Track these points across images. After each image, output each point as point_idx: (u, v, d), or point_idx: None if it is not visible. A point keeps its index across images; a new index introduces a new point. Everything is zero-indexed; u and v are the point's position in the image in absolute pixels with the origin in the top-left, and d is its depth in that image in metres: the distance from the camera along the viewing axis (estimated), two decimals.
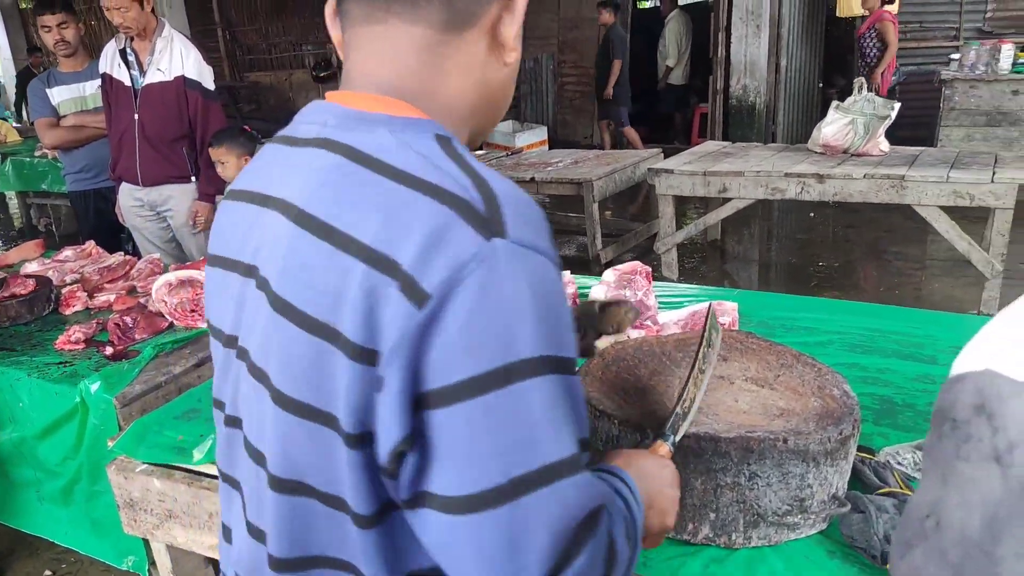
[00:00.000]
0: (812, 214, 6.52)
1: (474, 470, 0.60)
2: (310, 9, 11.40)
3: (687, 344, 1.44)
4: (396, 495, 0.64)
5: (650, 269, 2.17)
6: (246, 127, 3.81)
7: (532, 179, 5.38)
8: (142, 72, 3.44)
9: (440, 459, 0.60)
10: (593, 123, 9.87)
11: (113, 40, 3.50)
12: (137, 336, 2.23)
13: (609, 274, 2.13)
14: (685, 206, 6.19)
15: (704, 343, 1.10)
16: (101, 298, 2.59)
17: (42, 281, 2.62)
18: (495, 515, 0.59)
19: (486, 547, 0.60)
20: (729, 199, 4.71)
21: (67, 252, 3.16)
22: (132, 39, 3.41)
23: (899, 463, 1.31)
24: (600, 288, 2.06)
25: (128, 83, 3.44)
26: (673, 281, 5.08)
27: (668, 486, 0.88)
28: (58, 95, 3.77)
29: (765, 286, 5.16)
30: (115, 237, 3.94)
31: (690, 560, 1.13)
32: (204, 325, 2.01)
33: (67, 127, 3.78)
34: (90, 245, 3.19)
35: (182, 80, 3.43)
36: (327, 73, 11.40)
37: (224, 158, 3.40)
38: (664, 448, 0.98)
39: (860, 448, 1.34)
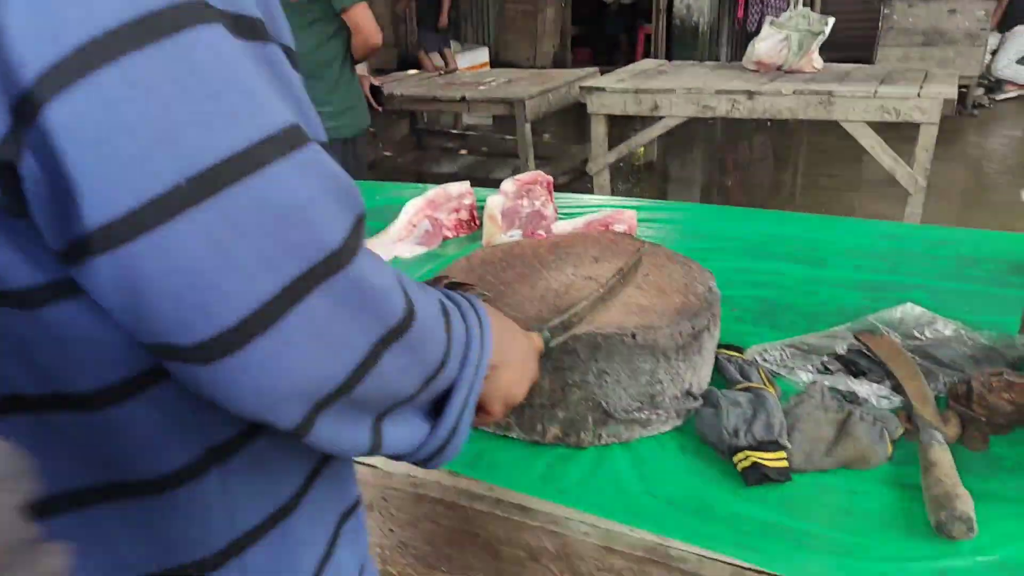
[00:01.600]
0: (754, 137, 6.49)
1: (134, 173, 0.42)
2: None
3: (561, 247, 1.37)
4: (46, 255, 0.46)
5: (551, 179, 2.08)
6: None
7: (463, 98, 5.20)
8: None
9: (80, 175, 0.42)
10: (535, 44, 9.60)
11: None
12: None
13: (508, 183, 2.04)
14: (626, 129, 6.10)
15: (619, 276, 1.04)
16: None
17: None
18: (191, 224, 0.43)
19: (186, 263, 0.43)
20: (661, 117, 4.62)
21: None
22: None
23: (765, 360, 1.28)
24: (498, 198, 1.97)
25: None
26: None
27: (528, 354, 0.82)
28: None
29: None
30: None
31: (535, 460, 1.08)
32: None
33: None
34: None
35: None
36: None
37: None
38: (537, 337, 0.90)
39: (729, 347, 1.31)
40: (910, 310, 1.42)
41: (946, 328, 1.35)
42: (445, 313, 0.63)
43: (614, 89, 4.64)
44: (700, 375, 1.15)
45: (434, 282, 1.18)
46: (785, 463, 1.02)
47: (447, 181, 2.13)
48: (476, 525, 1.05)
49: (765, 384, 1.21)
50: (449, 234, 2.02)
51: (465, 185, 2.14)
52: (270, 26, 0.52)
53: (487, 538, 1.05)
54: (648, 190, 5.45)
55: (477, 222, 2.07)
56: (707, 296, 1.18)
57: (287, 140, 0.47)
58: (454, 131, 6.84)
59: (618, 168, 5.84)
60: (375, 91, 3.26)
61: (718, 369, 1.25)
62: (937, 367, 1.23)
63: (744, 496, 1.00)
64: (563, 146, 6.08)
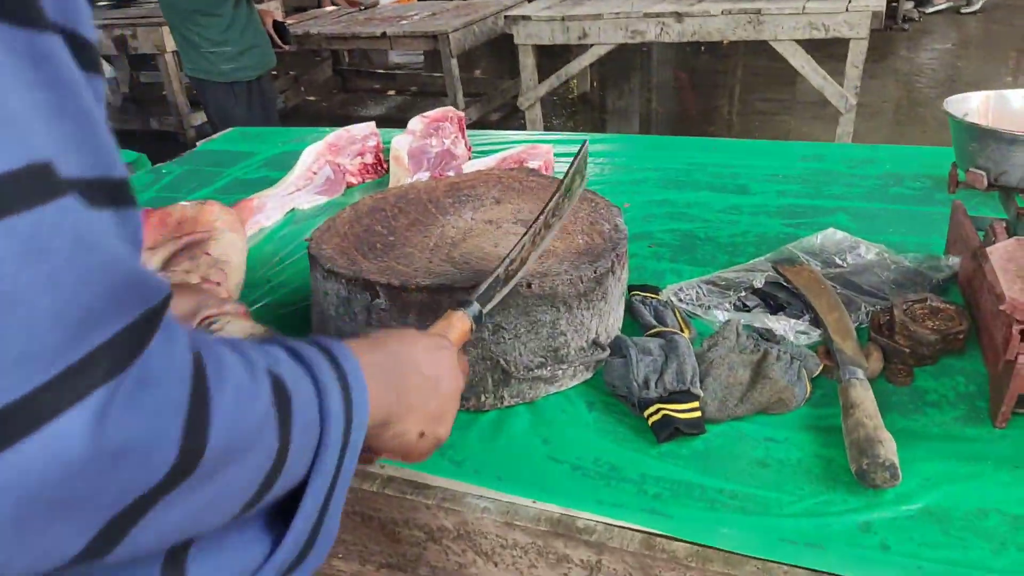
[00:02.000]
0: (691, 63, 6.35)
1: None
2: None
3: (459, 189, 1.25)
4: None
5: (463, 115, 1.94)
6: None
7: (384, 34, 4.93)
8: None
9: None
10: None
11: None
12: None
13: (416, 122, 1.89)
14: (561, 60, 5.89)
15: (561, 191, 0.89)
16: None
17: None
18: None
19: None
20: (590, 45, 4.45)
21: None
22: None
23: (681, 300, 1.19)
24: (404, 138, 1.82)
25: None
26: None
27: (440, 379, 0.66)
28: None
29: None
30: None
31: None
32: None
33: None
34: None
35: None
36: None
37: None
38: (460, 321, 0.75)
39: (643, 287, 1.22)
40: (831, 235, 1.35)
41: (868, 252, 1.28)
42: (281, 402, 0.46)
43: (540, 17, 4.44)
44: (608, 322, 1.06)
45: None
46: (698, 414, 0.94)
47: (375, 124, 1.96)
48: (368, 507, 0.95)
49: (680, 327, 1.13)
50: (354, 180, 1.87)
51: (370, 126, 1.98)
52: (50, 5, 0.36)
53: (382, 520, 0.95)
54: (584, 123, 5.30)
55: (385, 166, 1.93)
56: (613, 235, 1.08)
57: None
58: (380, 71, 6.54)
59: (553, 102, 5.67)
60: (279, 28, 3.03)
61: (630, 313, 1.16)
62: (859, 295, 1.16)
63: (655, 454, 0.92)
64: (496, 81, 5.85)
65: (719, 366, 0.99)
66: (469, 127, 2.02)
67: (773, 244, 1.37)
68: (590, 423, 0.98)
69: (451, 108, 1.96)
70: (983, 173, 1.10)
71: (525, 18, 4.48)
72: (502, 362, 0.98)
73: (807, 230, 1.41)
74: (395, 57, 7.34)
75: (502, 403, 1.01)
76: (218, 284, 1.19)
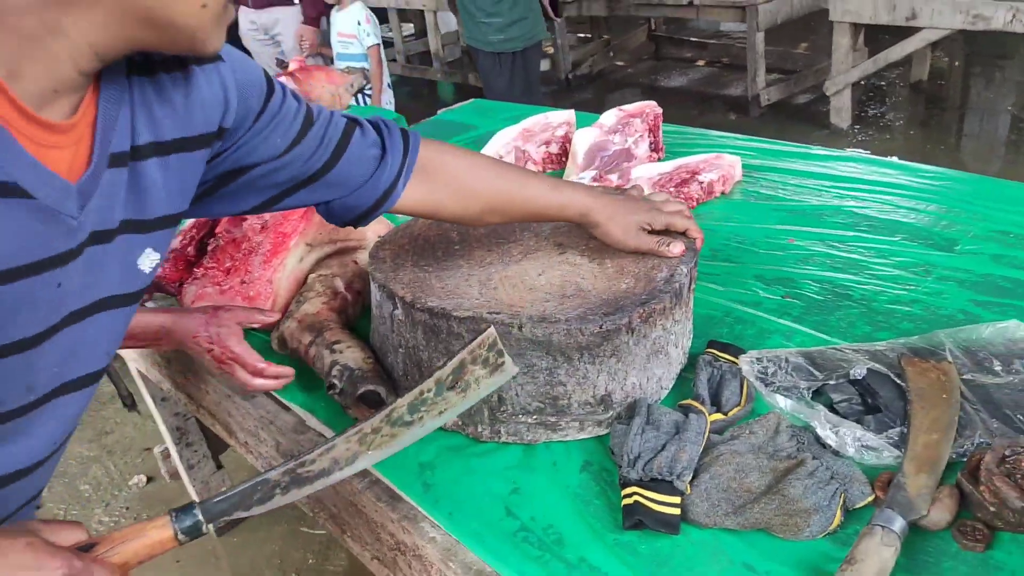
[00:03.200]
0: None
1: None
2: None
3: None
4: None
5: (659, 112, 1.83)
6: None
7: (690, 3, 4.75)
8: None
9: None
10: None
11: None
12: None
13: (610, 115, 1.83)
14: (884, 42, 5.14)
15: (432, 384, 0.80)
16: None
17: None
18: None
19: None
20: (919, 28, 3.83)
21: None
22: None
23: (758, 371, 1.03)
24: (589, 132, 1.78)
25: None
26: (842, 130, 4.37)
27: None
28: None
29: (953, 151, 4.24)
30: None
31: (428, 444, 0.98)
32: None
33: None
34: None
35: None
36: None
37: None
38: (155, 530, 0.71)
39: (726, 346, 1.08)
40: (1014, 329, 1.05)
41: None
42: None
43: None
44: (626, 382, 0.96)
45: None
46: (676, 511, 0.83)
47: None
48: (360, 502, 1.00)
49: (741, 402, 0.99)
50: (535, 167, 1.88)
51: (568, 114, 1.96)
52: None
53: (368, 517, 1.00)
54: (904, 118, 4.58)
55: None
56: (660, 287, 0.96)
57: None
58: (693, 39, 6.32)
59: (878, 88, 5.00)
60: (553, 1, 3.09)
61: (694, 371, 1.04)
62: (990, 418, 0.90)
63: (611, 541, 0.83)
64: (814, 59, 5.32)
65: (725, 464, 0.85)
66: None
67: (941, 323, 1.11)
68: (570, 484, 0.91)
69: (651, 103, 1.85)
70: None
71: None
72: (499, 398, 0.95)
73: (999, 314, 1.12)
74: (722, 25, 7.00)
75: (498, 437, 0.98)
76: (359, 292, 1.29)
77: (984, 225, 1.38)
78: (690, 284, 1.03)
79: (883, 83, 5.08)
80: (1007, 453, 0.80)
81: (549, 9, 3.08)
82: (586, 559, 0.82)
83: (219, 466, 2.09)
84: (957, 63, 5.35)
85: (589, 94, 5.62)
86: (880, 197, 1.53)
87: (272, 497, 0.76)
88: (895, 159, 1.72)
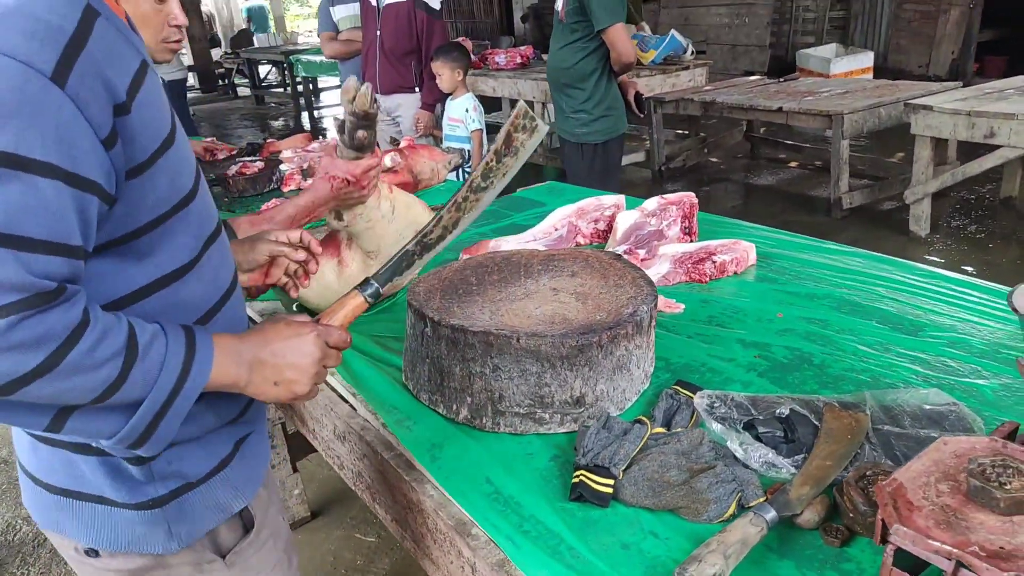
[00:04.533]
0: None
1: None
2: None
3: (552, 260, 1.51)
4: None
5: (695, 202, 2.12)
6: (461, 42, 4.24)
7: (779, 109, 5.03)
8: None
9: None
10: (931, 50, 8.51)
11: None
12: None
13: (651, 202, 2.14)
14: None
15: (493, 155, 1.11)
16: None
17: (269, 163, 3.37)
18: None
19: None
20: (997, 147, 3.95)
21: (315, 144, 3.94)
22: None
23: (707, 406, 1.28)
24: (631, 214, 2.09)
25: (373, 3, 4.06)
26: (920, 238, 4.46)
27: (295, 357, 0.96)
28: (337, 13, 4.56)
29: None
30: None
31: (441, 432, 1.29)
32: None
33: (342, 40, 4.58)
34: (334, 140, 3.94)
35: (412, 1, 3.95)
36: None
37: (440, 71, 3.89)
38: (352, 301, 1.11)
39: (686, 384, 1.34)
40: (932, 397, 1.26)
41: (959, 425, 1.18)
42: (128, 352, 0.79)
43: (943, 110, 4.11)
44: (596, 388, 1.24)
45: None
46: (609, 490, 1.09)
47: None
48: (385, 471, 1.31)
49: (688, 427, 1.24)
50: (583, 241, 2.20)
51: (619, 198, 2.28)
52: None
53: (391, 482, 1.31)
54: (987, 231, 4.62)
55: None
56: (625, 319, 1.25)
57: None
58: (788, 142, 6.55)
59: (966, 201, 5.07)
60: (638, 99, 3.45)
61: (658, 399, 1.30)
62: (887, 460, 1.12)
63: (557, 507, 1.10)
64: (902, 168, 5.44)
65: (652, 460, 1.12)
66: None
67: (880, 387, 1.33)
68: (539, 468, 1.19)
69: (689, 194, 2.15)
70: None
71: (926, 108, 4.18)
72: (500, 396, 1.25)
73: (933, 386, 1.32)
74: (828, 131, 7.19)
75: (498, 428, 1.28)
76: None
77: (948, 315, 1.58)
78: (650, 321, 1.31)
79: (973, 196, 5.13)
80: (867, 473, 1.03)
81: (634, 107, 3.44)
82: (535, 516, 1.09)
83: (295, 470, 2.44)
84: None
85: (679, 186, 5.92)
86: (868, 286, 1.75)
87: (413, 263, 1.14)
88: (969, 269, 1.93)
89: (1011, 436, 1.01)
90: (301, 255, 1.26)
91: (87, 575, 1.02)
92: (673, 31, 6.59)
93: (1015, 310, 0.95)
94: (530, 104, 6.98)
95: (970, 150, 4.79)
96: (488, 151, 1.13)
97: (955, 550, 0.76)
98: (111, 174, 0.78)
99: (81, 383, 0.77)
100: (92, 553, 0.98)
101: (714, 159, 6.64)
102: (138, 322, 0.83)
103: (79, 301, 0.76)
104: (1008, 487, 0.82)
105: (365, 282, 1.13)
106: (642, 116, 3.63)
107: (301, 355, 0.97)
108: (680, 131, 6.68)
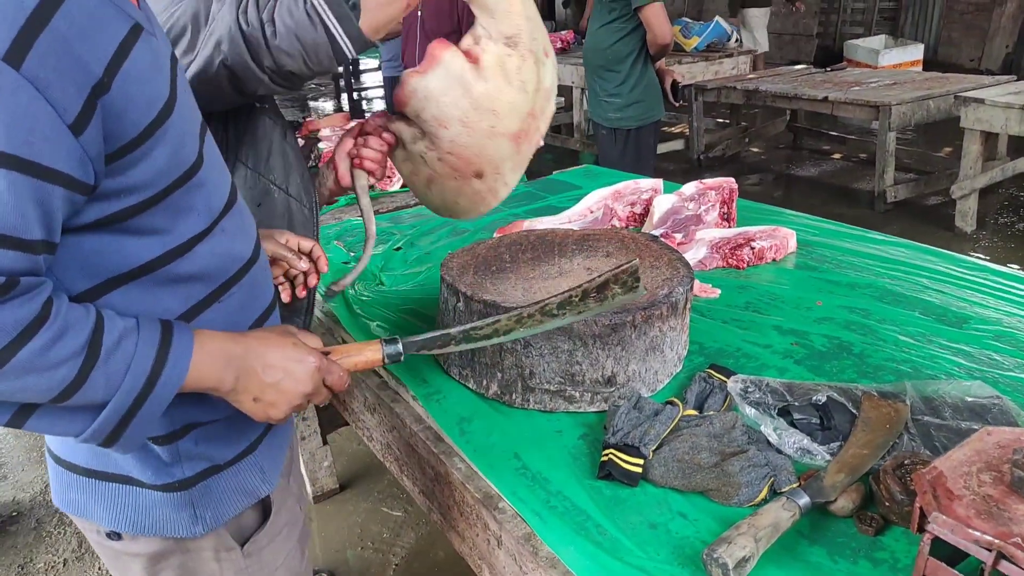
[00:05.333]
0: None
1: None
2: None
3: (587, 239, 1.50)
4: None
5: (735, 187, 2.08)
6: None
7: (825, 98, 4.92)
8: None
9: None
10: (984, 43, 8.26)
11: None
12: None
13: (689, 186, 2.10)
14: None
15: (580, 292, 1.04)
16: None
17: (308, 142, 3.39)
18: None
19: None
20: None
21: (353, 123, 3.96)
22: None
23: (740, 390, 1.26)
24: (668, 198, 2.06)
25: None
26: (966, 234, 4.35)
27: (287, 381, 0.89)
28: None
29: None
30: None
31: (469, 405, 1.29)
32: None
33: None
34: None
35: None
36: None
37: None
38: (371, 350, 1.00)
39: (720, 368, 1.32)
40: (978, 388, 1.23)
41: (1001, 418, 1.15)
42: (89, 353, 0.74)
43: (995, 103, 3.98)
44: (627, 367, 1.22)
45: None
46: (639, 470, 1.08)
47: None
48: (414, 443, 1.32)
49: (721, 410, 1.22)
50: (619, 224, 2.18)
51: (657, 182, 2.25)
52: None
53: (420, 455, 1.31)
54: None
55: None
56: (660, 299, 1.23)
57: None
58: (832, 133, 6.41)
59: (1015, 198, 4.92)
60: (674, 87, 3.40)
61: (691, 382, 1.28)
62: (925, 450, 1.09)
63: (587, 484, 1.09)
64: (950, 163, 5.30)
65: (684, 441, 1.10)
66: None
67: (922, 379, 1.30)
68: (567, 445, 1.18)
69: (729, 180, 2.11)
70: None
71: (978, 101, 4.05)
72: (529, 371, 1.24)
73: (976, 379, 1.29)
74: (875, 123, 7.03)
75: (527, 404, 1.27)
76: None
77: (995, 309, 1.54)
78: (685, 303, 1.29)
79: (1022, 193, 4.98)
80: (905, 462, 1.00)
81: (671, 95, 3.39)
82: (562, 492, 1.08)
83: (324, 442, 2.47)
84: None
85: (718, 175, 5.85)
86: (912, 277, 1.71)
87: (449, 345, 1.05)
88: (1015, 267, 1.88)
89: None
90: (304, 265, 1.16)
91: (108, 558, 1.01)
92: (718, 17, 6.48)
93: None
94: (567, 90, 6.93)
95: (1021, 145, 4.64)
96: (576, 287, 1.05)
97: (996, 540, 0.74)
98: (84, 161, 0.71)
99: (35, 383, 0.72)
100: (114, 536, 0.96)
101: (755, 149, 6.53)
102: (110, 317, 0.78)
103: (37, 296, 0.71)
104: None
105: (393, 340, 1.03)
106: (678, 105, 3.57)
107: (293, 381, 0.90)
108: (721, 119, 6.57)
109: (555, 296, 1.05)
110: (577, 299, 1.06)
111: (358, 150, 1.25)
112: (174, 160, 0.81)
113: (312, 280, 1.19)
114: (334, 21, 1.07)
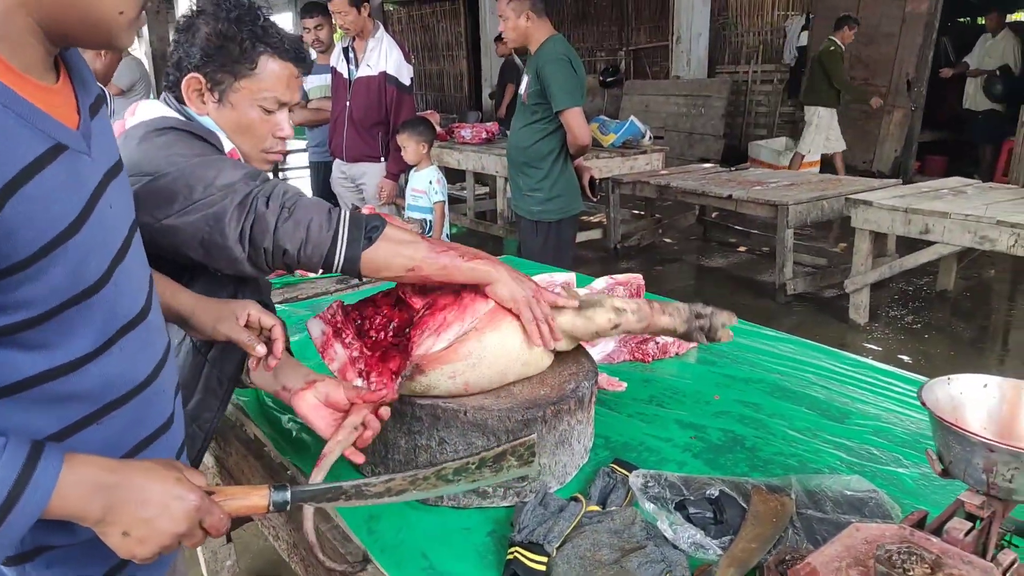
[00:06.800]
0: None
1: None
2: (607, 19, 11.95)
3: None
4: None
5: (643, 284, 2.20)
6: (426, 116, 4.38)
7: (729, 196, 5.25)
8: (356, 66, 4.16)
9: None
10: (875, 147, 9.01)
11: (341, 40, 4.28)
12: None
13: (601, 281, 2.22)
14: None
15: (477, 460, 1.06)
16: None
17: None
18: None
19: None
20: (932, 243, 4.17)
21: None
22: (354, 39, 4.14)
23: (641, 485, 1.32)
24: (580, 292, 2.15)
25: (345, 75, 4.19)
26: (860, 326, 4.64)
27: (160, 520, 0.83)
28: (309, 83, 4.67)
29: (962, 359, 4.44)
30: (332, 200, 4.80)
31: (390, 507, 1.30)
32: None
33: (311, 109, 4.68)
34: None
35: (383, 75, 4.08)
36: (614, 79, 11.89)
37: (406, 143, 3.99)
38: (256, 495, 0.95)
39: (623, 463, 1.38)
40: (857, 483, 1.32)
41: (877, 511, 1.24)
42: None
43: (882, 205, 4.34)
44: (538, 462, 1.27)
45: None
46: (543, 567, 1.11)
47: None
48: (322, 543, 1.31)
49: (623, 505, 1.28)
50: None
51: (570, 275, 2.36)
52: None
53: (329, 556, 1.31)
54: (923, 322, 4.82)
55: None
56: (568, 394, 1.30)
57: None
58: (738, 227, 6.81)
59: (904, 292, 5.30)
60: (591, 183, 3.59)
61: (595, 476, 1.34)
62: (809, 544, 1.17)
63: None
64: (845, 258, 5.68)
65: (586, 538, 1.14)
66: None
67: (807, 472, 1.39)
68: (475, 542, 1.21)
69: (637, 276, 2.23)
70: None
71: (866, 203, 4.41)
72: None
73: (855, 472, 1.38)
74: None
75: (441, 502, 1.29)
76: None
77: (874, 404, 1.67)
78: (591, 397, 1.36)
79: (910, 288, 5.37)
80: (787, 557, 1.07)
81: (587, 191, 3.57)
82: None
83: (229, 540, 2.38)
84: (989, 276, 5.63)
85: (634, 264, 6.08)
86: (800, 372, 1.83)
87: (339, 499, 1.01)
88: (905, 359, 2.03)
89: (920, 524, 1.07)
90: (261, 350, 1.16)
91: None
92: (633, 117, 6.88)
93: (924, 404, 1.02)
94: (491, 178, 7.17)
95: (910, 243, 5.04)
96: (473, 454, 1.09)
97: None
98: None
99: None
100: None
101: (668, 240, 6.85)
102: None
103: None
104: (911, 574, 0.87)
105: (282, 487, 0.97)
106: (595, 200, 3.76)
107: (169, 519, 0.83)
108: (636, 211, 6.89)
109: (452, 462, 1.07)
110: (474, 467, 1.07)
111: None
112: (72, 278, 0.80)
113: (271, 363, 1.19)
114: (344, 236, 1.20)
